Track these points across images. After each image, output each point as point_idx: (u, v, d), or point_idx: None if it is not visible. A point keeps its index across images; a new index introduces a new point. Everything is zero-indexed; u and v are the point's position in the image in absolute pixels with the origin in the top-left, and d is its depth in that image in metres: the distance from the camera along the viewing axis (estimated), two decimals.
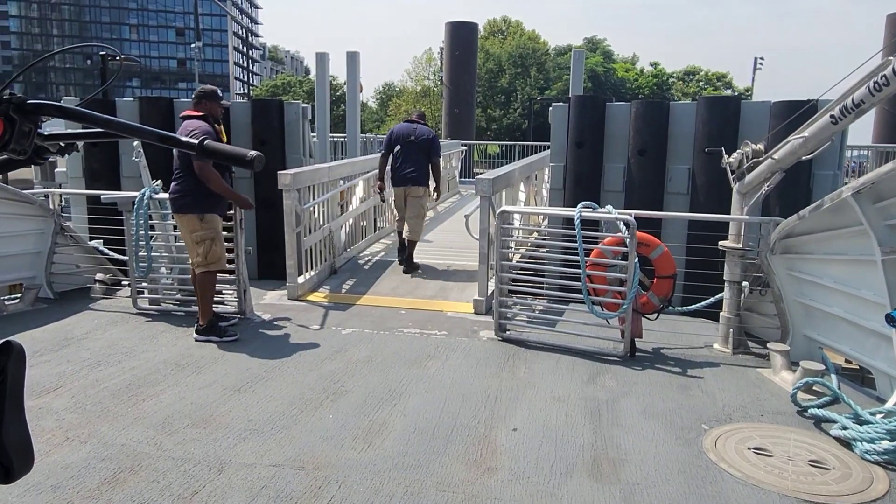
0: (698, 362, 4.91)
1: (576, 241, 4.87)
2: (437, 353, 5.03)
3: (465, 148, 16.34)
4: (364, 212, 8.78)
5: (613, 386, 4.43)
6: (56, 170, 8.89)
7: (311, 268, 7.07)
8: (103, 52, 13.17)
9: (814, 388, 4.14)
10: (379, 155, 8.02)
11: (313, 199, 7.04)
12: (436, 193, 8.26)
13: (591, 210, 5.09)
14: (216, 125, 5.30)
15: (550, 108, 7.30)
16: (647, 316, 5.08)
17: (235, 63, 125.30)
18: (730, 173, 4.98)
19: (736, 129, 6.41)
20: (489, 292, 6.30)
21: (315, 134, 9.92)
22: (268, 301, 6.57)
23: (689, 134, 6.63)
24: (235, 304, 5.95)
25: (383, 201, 7.79)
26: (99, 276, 6.55)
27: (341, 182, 7.83)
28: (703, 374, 4.69)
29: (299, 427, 3.76)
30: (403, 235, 7.71)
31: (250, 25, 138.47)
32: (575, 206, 5.15)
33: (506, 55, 63.57)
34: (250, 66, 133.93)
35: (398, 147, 7.53)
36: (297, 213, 6.55)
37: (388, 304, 6.45)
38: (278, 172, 6.45)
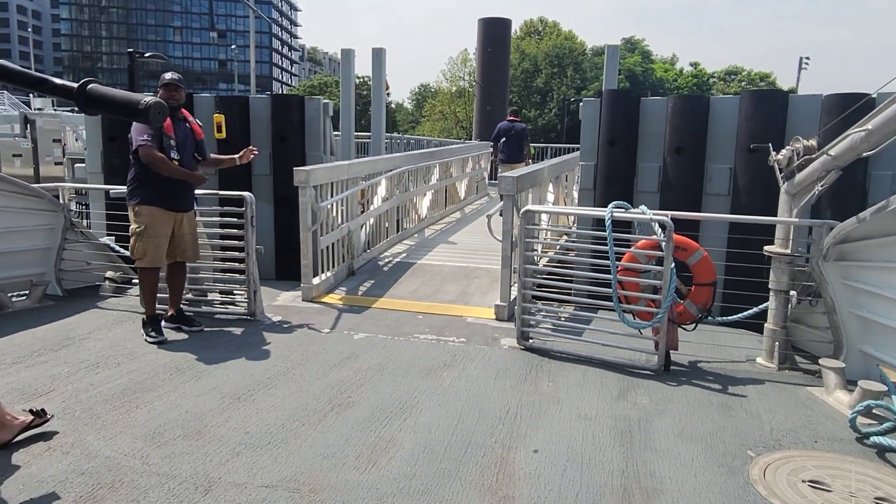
0: (740, 378, 4.46)
1: (606, 244, 4.47)
2: (454, 362, 4.68)
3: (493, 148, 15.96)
4: (386, 211, 8.48)
5: (646, 403, 4.02)
6: (75, 165, 8.80)
7: (328, 269, 6.79)
8: (130, 50, 13.19)
9: (874, 411, 3.68)
10: (399, 154, 7.72)
11: (331, 197, 6.76)
12: (529, 160, 11.89)
13: (623, 210, 4.68)
14: (183, 114, 5.17)
15: (581, 104, 6.88)
16: (683, 326, 4.65)
17: (275, 64, 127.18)
18: (777, 172, 4.52)
19: (783, 125, 5.90)
20: (512, 298, 5.94)
21: (339, 132, 9.67)
22: (280, 302, 6.31)
23: (731, 131, 6.14)
24: (245, 305, 5.69)
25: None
26: (109, 273, 6.37)
27: (361, 181, 7.53)
28: (746, 391, 4.24)
29: (299, 442, 3.45)
30: None
31: (290, 27, 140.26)
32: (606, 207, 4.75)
33: (542, 55, 62.94)
34: (290, 67, 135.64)
35: (503, 139, 11.68)
36: (313, 210, 6.28)
37: (406, 308, 6.13)
38: (294, 169, 6.18)
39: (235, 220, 5.65)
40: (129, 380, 4.24)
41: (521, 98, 58.58)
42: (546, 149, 18.03)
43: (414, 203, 9.74)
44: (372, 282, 7.06)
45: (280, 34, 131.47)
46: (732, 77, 74.25)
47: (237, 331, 5.36)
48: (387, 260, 7.99)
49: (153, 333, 5.01)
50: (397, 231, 8.99)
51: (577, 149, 18.70)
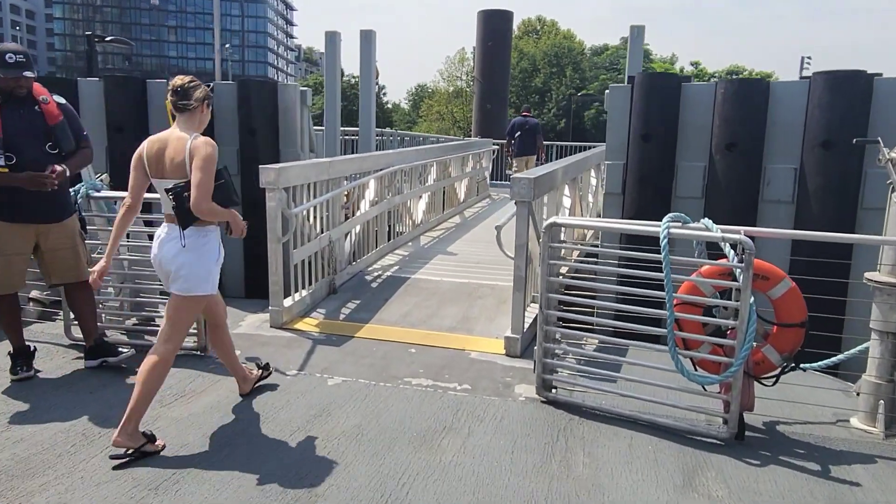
0: (840, 453, 3.34)
1: (651, 267, 3.35)
2: (457, 424, 3.55)
3: (496, 147, 14.84)
4: (376, 217, 7.34)
5: (723, 496, 2.90)
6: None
7: (303, 287, 5.66)
8: (88, 33, 12.04)
9: None
10: (391, 151, 6.63)
11: (308, 200, 5.62)
12: (543, 154, 13.33)
13: (680, 225, 3.56)
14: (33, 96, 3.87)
15: (607, 92, 5.78)
16: (762, 381, 3.52)
17: (270, 64, 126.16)
18: (893, 173, 3.40)
19: (866, 115, 4.79)
20: (525, 327, 4.82)
21: (324, 127, 8.53)
22: (244, 329, 5.17)
23: (797, 122, 5.03)
24: (195, 336, 4.55)
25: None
26: (34, 293, 5.22)
27: (346, 182, 6.39)
28: (856, 475, 3.12)
29: None
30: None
31: (285, 27, 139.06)
32: (639, 217, 3.68)
33: (540, 54, 62.10)
34: (286, 67, 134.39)
35: (518, 133, 12.75)
36: (284, 217, 5.15)
37: (396, 338, 5.00)
38: (260, 167, 5.06)
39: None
40: (10, 456, 3.09)
41: (519, 98, 57.60)
42: (551, 147, 16.89)
43: (408, 207, 8.61)
44: (357, 302, 5.92)
45: (276, 34, 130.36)
46: (733, 77, 73.36)
47: (179, 373, 4.22)
48: (376, 274, 6.85)
49: (17, 369, 4.00)
50: (388, 239, 7.85)
51: (582, 148, 17.56)
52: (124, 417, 3.07)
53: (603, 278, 4.91)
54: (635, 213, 5.37)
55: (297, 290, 5.54)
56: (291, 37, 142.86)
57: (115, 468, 3.00)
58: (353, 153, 11.65)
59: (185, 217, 3.12)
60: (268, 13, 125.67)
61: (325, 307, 5.77)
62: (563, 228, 4.01)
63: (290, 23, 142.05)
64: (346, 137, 11.80)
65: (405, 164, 8.19)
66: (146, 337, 4.76)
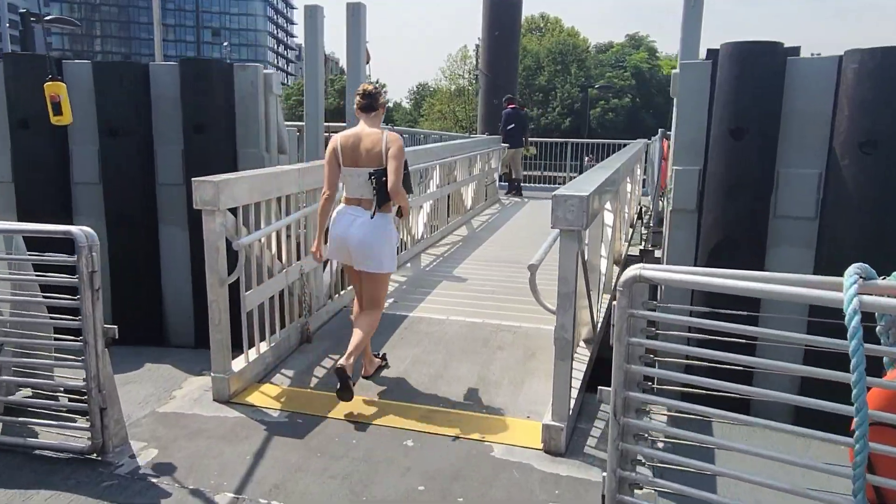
0: None
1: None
2: None
3: (506, 146, 13.33)
4: None
5: None
6: None
7: (263, 338, 4.19)
8: (23, 10, 10.59)
9: None
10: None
11: (267, 223, 4.15)
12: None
13: (859, 279, 2.06)
14: None
15: (674, 72, 4.30)
16: None
17: (270, 63, 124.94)
18: None
19: None
20: (570, 407, 3.35)
21: (303, 122, 7.04)
22: (174, 406, 3.71)
23: None
24: (89, 432, 3.08)
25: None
26: None
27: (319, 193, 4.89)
28: None
29: None
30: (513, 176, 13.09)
31: (286, 25, 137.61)
32: (727, 247, 2.27)
33: (544, 52, 60.94)
34: (286, 66, 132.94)
35: (512, 125, 12.52)
36: (233, 249, 3.69)
37: (386, 420, 3.54)
38: (193, 181, 3.59)
39: (65, 277, 3.02)
40: None
41: (522, 96, 56.17)
42: (565, 145, 15.35)
43: (405, 219, 7.13)
44: (336, 357, 4.44)
45: (275, 32, 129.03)
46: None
47: (52, 497, 2.74)
48: None
49: None
50: None
51: (593, 147, 15.96)
52: (346, 354, 3.66)
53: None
54: (721, 239, 3.90)
55: (253, 345, 4.07)
56: (292, 35, 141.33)
57: None
58: None
59: (381, 198, 3.67)
60: (267, 11, 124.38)
61: (294, 365, 4.30)
62: (663, 284, 2.44)
63: (290, 21, 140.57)
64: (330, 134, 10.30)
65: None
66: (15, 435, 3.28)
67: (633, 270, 2.23)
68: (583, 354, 4.19)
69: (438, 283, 6.24)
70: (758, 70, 3.79)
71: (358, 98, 3.82)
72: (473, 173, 10.44)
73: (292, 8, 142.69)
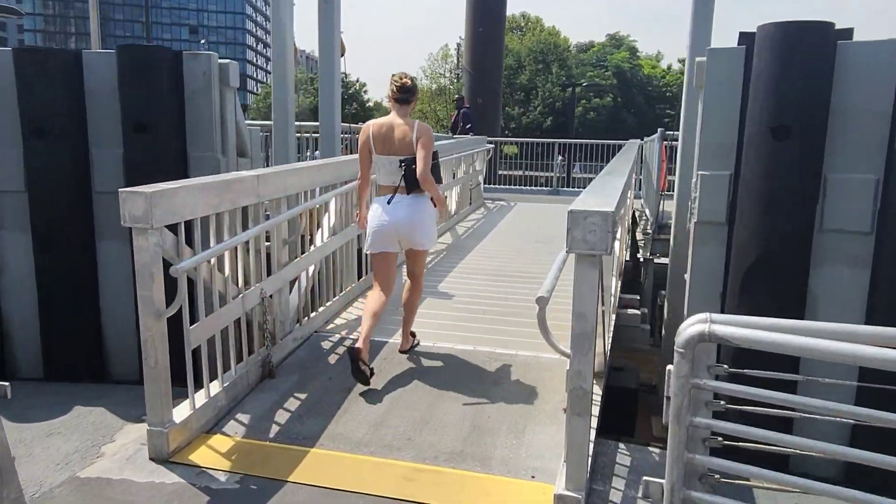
0: None
1: None
2: None
3: (491, 146, 12.72)
4: (339, 249, 5.18)
5: None
6: None
7: (214, 376, 3.51)
8: None
9: None
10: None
11: (220, 241, 3.47)
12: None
13: None
14: None
15: (699, 60, 3.69)
16: None
17: (250, 62, 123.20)
18: None
19: None
20: (587, 468, 2.73)
21: (270, 122, 6.33)
22: (100, 469, 3.03)
23: None
24: None
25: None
26: None
27: (288, 203, 4.21)
28: None
29: None
30: None
31: (265, 24, 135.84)
32: (771, 261, 1.68)
33: (525, 50, 60.72)
34: (266, 65, 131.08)
35: (469, 125, 12.96)
36: (170, 275, 3.01)
37: (359, 485, 2.89)
38: (121, 193, 2.90)
39: None
40: None
41: (504, 95, 55.69)
42: (552, 146, 14.74)
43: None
44: (302, 396, 3.78)
45: (255, 31, 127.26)
46: None
47: None
48: (337, 336, 4.70)
49: None
50: (358, 277, 5.70)
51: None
52: (403, 332, 4.30)
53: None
54: (758, 257, 3.29)
55: (201, 387, 3.40)
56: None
57: None
58: (312, 153, 9.42)
59: (411, 185, 3.91)
60: (246, 9, 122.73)
61: (253, 407, 3.62)
62: (745, 345, 1.76)
63: (269, 19, 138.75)
64: (306, 136, 9.58)
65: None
66: None
67: (696, 325, 1.60)
68: (595, 392, 3.56)
69: (422, 300, 5.56)
70: (805, 56, 3.19)
71: (395, 89, 3.97)
72: (458, 176, 9.79)
73: (270, 6, 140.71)
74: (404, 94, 3.97)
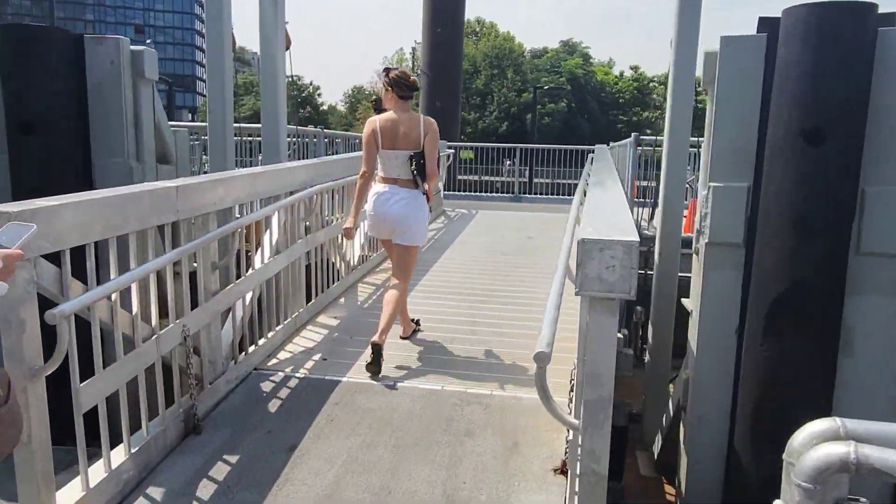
0: None
1: None
2: None
3: (452, 152, 12.13)
4: (283, 270, 4.47)
5: None
6: None
7: (120, 439, 2.78)
8: None
9: None
10: (311, 161, 4.26)
11: (123, 270, 2.74)
12: None
13: None
14: None
15: (706, 51, 3.15)
16: None
17: (198, 63, 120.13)
18: None
19: None
20: None
21: (205, 122, 5.56)
22: None
23: None
24: None
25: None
26: None
27: (218, 220, 3.49)
28: None
29: None
30: None
31: None
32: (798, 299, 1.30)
33: (481, 56, 60.79)
34: None
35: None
36: (38, 316, 2.28)
37: None
38: None
39: None
40: None
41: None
42: (513, 151, 14.18)
43: (338, 244, 5.78)
44: (235, 458, 3.06)
45: (203, 31, 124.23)
46: None
47: None
48: (281, 375, 3.99)
49: None
50: (307, 300, 4.99)
51: (540, 152, 14.86)
52: (379, 331, 3.97)
53: None
54: (787, 286, 2.75)
55: (99, 457, 2.66)
56: None
57: None
58: (254, 159, 8.61)
59: (418, 179, 4.04)
60: (195, 9, 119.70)
61: (168, 478, 2.89)
62: None
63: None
64: (252, 139, 8.78)
65: (332, 182, 5.35)
66: None
67: (829, 446, 1.00)
68: None
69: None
70: (845, 45, 2.67)
71: (396, 87, 4.04)
72: None
73: None
74: (406, 90, 4.06)
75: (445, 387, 3.80)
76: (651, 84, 72.15)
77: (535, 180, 13.97)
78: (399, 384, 3.83)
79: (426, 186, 4.12)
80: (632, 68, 74.75)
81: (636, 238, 1.80)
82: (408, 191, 4.07)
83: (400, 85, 4.04)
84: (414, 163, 4.01)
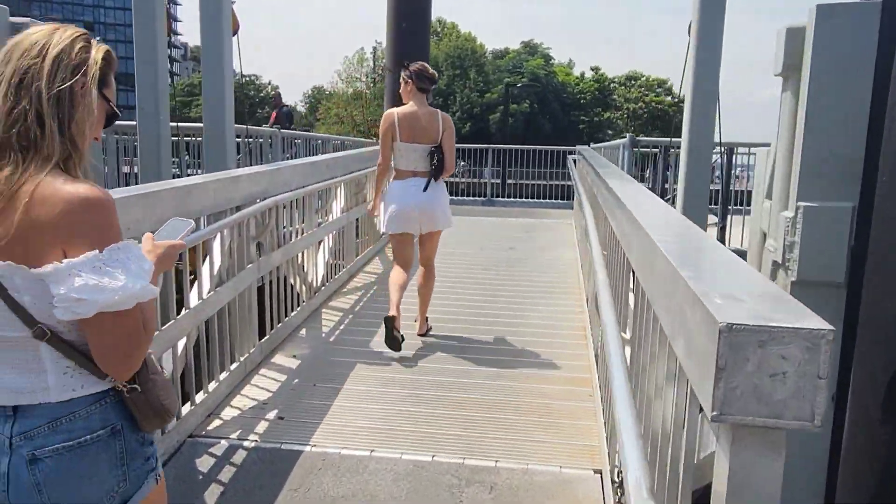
0: None
1: None
2: None
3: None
4: (234, 300, 3.59)
5: None
6: None
7: None
8: None
9: None
10: (264, 167, 3.65)
11: None
12: None
13: None
14: None
15: (785, 28, 2.41)
16: None
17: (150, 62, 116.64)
18: None
19: None
20: None
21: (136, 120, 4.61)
22: None
23: None
24: None
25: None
26: None
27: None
28: None
29: None
30: None
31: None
32: None
33: (442, 56, 60.24)
34: (171, 66, 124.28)
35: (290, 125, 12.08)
36: None
37: None
38: None
39: None
40: None
41: None
42: (486, 151, 13.38)
43: (300, 265, 4.91)
44: None
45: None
46: (633, 82, 73.83)
47: None
48: (223, 446, 3.10)
49: None
50: (260, 335, 4.10)
51: (513, 153, 14.02)
52: (420, 316, 4.51)
53: None
54: None
55: None
56: (176, 33, 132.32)
57: None
58: (195, 161, 7.62)
59: (438, 171, 4.17)
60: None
61: None
62: None
63: (174, 18, 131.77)
64: (191, 140, 7.78)
65: (290, 191, 4.48)
66: None
67: None
68: None
69: (351, 368, 4.04)
70: None
71: (416, 80, 4.14)
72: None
73: (176, 4, 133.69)
74: (425, 83, 4.17)
75: (437, 456, 2.98)
76: (612, 85, 72.71)
77: (509, 181, 13.21)
78: (375, 453, 2.99)
79: (443, 179, 4.26)
80: (592, 69, 75.21)
81: (826, 325, 1.02)
82: (434, 182, 4.20)
83: (420, 77, 4.15)
84: (435, 157, 4.13)
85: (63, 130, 1.24)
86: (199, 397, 3.30)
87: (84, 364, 1.28)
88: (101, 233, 1.22)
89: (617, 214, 2.50)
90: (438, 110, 4.26)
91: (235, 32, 4.74)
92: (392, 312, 4.02)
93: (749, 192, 9.11)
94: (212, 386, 3.41)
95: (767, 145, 5.91)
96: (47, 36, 1.26)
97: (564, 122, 61.47)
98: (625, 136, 7.91)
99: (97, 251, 1.20)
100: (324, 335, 4.72)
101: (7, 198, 1.19)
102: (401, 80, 4.21)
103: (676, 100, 63.12)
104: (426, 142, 4.16)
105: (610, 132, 60.07)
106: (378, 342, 4.30)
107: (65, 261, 1.18)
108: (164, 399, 1.39)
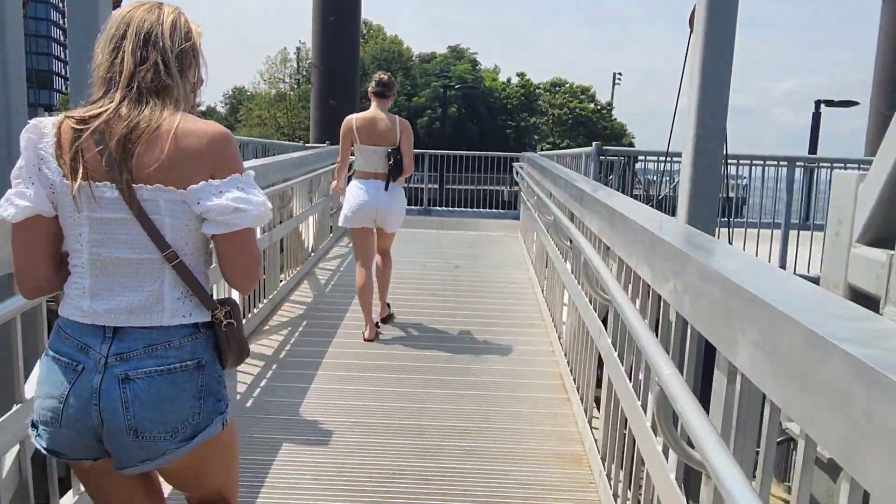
0: None
1: None
2: None
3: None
4: None
5: None
6: None
7: None
8: None
9: None
10: None
11: None
12: None
13: None
14: None
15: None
16: None
17: (57, 57, 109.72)
18: None
19: None
20: None
21: None
22: None
23: None
24: None
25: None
26: None
27: None
28: None
29: None
30: None
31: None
32: None
33: (369, 58, 59.27)
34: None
35: None
36: None
37: None
38: None
39: None
40: None
41: None
42: (422, 157, 12.53)
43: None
44: None
45: (61, 21, 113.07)
46: (557, 88, 75.11)
47: None
48: None
49: None
50: None
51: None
52: (381, 302, 4.85)
53: None
54: None
55: None
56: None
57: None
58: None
59: (396, 173, 4.45)
60: (51, 15, 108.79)
61: None
62: None
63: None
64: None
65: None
66: None
67: None
68: None
69: (277, 430, 3.10)
70: None
71: (373, 84, 4.58)
72: (315, 201, 7.34)
73: None
74: (382, 87, 4.52)
75: None
76: (537, 91, 73.78)
77: (448, 186, 12.43)
78: None
79: (401, 180, 4.52)
80: (518, 75, 76.08)
81: None
82: (392, 183, 4.48)
83: (377, 82, 4.55)
84: (392, 158, 4.40)
85: (185, 82, 1.47)
86: None
87: (197, 292, 1.42)
88: (237, 161, 1.45)
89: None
90: (397, 116, 4.57)
91: (118, 5, 3.71)
92: (368, 334, 4.50)
93: (742, 199, 8.57)
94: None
95: (765, 157, 5.30)
96: (155, 8, 1.46)
97: (492, 127, 61.77)
98: (560, 141, 7.34)
99: (238, 174, 1.42)
100: (247, 386, 3.75)
101: (151, 132, 1.36)
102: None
103: (599, 107, 64.61)
104: (385, 144, 4.45)
105: (536, 137, 60.71)
106: (300, 397, 3.37)
107: (212, 180, 1.38)
108: (244, 339, 1.52)
